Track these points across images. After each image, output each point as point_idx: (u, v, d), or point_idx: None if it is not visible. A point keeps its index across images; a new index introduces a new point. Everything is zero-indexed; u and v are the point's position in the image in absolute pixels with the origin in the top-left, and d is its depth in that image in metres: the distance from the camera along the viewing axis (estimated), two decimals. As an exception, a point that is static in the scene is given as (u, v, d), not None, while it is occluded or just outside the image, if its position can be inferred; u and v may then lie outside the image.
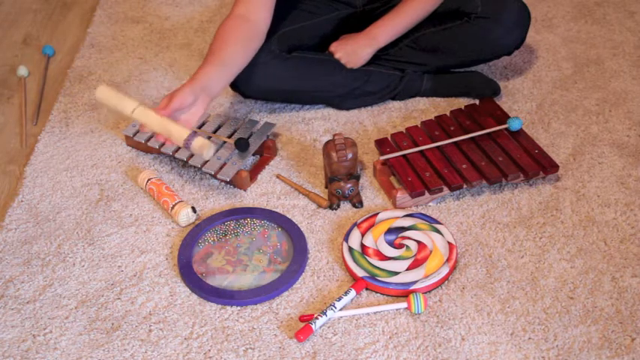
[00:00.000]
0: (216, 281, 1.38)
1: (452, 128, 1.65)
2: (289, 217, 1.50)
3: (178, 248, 1.44)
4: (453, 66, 1.83)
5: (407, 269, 1.37)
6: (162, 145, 1.65)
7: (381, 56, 1.78)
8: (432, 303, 1.33)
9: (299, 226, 1.48)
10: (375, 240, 1.43)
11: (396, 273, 1.36)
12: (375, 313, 1.32)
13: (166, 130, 1.37)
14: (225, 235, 1.48)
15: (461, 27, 1.71)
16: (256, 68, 1.66)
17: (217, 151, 1.63)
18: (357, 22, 1.80)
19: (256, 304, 1.34)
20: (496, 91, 1.81)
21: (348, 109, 1.80)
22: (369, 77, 1.77)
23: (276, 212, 1.51)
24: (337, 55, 1.74)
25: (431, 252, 1.39)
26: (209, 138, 1.65)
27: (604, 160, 1.63)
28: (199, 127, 1.69)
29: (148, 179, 1.58)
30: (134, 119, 1.42)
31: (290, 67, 1.71)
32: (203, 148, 1.34)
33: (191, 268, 1.40)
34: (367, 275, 1.35)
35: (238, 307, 1.34)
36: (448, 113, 1.71)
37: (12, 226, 1.54)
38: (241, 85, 1.72)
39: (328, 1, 1.81)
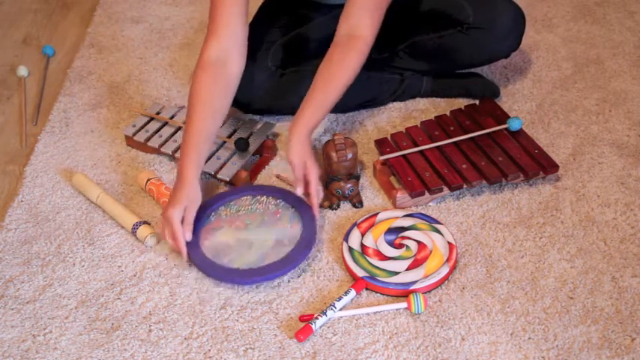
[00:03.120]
0: (219, 257, 1.38)
1: (452, 128, 1.65)
2: (304, 199, 1.48)
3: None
4: (450, 70, 1.82)
5: (407, 269, 1.37)
6: (163, 144, 1.66)
7: (379, 60, 1.77)
8: (432, 303, 1.33)
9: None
10: (375, 240, 1.43)
11: (396, 273, 1.36)
12: (375, 313, 1.32)
13: (118, 217, 1.51)
14: (238, 211, 1.48)
15: (454, 35, 1.68)
16: (253, 88, 1.65)
17: (217, 150, 1.63)
18: None
19: (251, 285, 1.35)
20: (495, 93, 1.81)
21: (348, 112, 1.80)
22: (369, 82, 1.76)
23: (294, 193, 1.49)
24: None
25: (431, 252, 1.39)
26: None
27: (604, 160, 1.63)
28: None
29: (148, 179, 1.58)
30: (98, 205, 1.57)
31: (286, 83, 1.71)
32: (143, 235, 1.46)
33: (197, 239, 1.41)
34: (367, 275, 1.35)
35: (238, 307, 1.34)
36: (448, 113, 1.71)
37: (12, 226, 1.54)
38: (239, 104, 1.71)
39: (320, 5, 1.79)
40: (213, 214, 1.48)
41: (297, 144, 1.46)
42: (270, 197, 1.51)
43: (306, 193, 1.47)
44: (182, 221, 1.39)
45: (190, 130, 1.45)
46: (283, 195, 1.50)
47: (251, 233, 1.43)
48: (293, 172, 1.46)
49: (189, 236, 1.39)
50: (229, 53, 1.51)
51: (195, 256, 1.38)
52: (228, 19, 1.51)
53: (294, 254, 1.38)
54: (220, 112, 1.51)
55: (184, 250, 1.38)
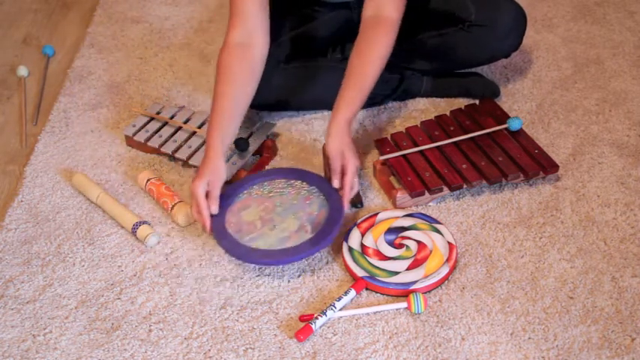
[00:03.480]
0: (242, 234, 1.40)
1: (452, 128, 1.65)
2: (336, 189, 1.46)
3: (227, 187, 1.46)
4: (450, 69, 1.82)
5: (407, 269, 1.37)
6: (163, 144, 1.66)
7: None
8: (432, 303, 1.33)
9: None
10: (375, 240, 1.43)
11: (396, 273, 1.36)
12: (375, 313, 1.32)
13: (118, 217, 1.51)
14: (270, 192, 1.49)
15: (456, 33, 1.69)
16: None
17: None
18: (357, 22, 1.80)
19: (262, 267, 1.38)
20: (495, 93, 1.81)
21: None
22: None
23: (329, 183, 1.47)
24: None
25: (431, 252, 1.39)
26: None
27: (604, 160, 1.63)
28: (199, 127, 1.69)
29: (148, 179, 1.58)
30: (97, 205, 1.57)
31: (288, 78, 1.71)
32: (143, 235, 1.46)
33: (224, 214, 1.42)
34: (367, 275, 1.35)
35: (238, 307, 1.34)
36: (448, 113, 1.71)
37: (12, 226, 1.54)
38: None
39: (323, 3, 1.79)
40: (245, 192, 1.49)
41: (335, 134, 1.45)
42: (305, 183, 1.50)
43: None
44: (208, 195, 1.41)
45: (215, 108, 1.47)
46: (317, 182, 1.50)
47: (277, 215, 1.44)
48: (331, 163, 1.45)
49: (214, 209, 1.41)
50: (252, 36, 1.52)
51: (219, 233, 1.40)
52: (249, 2, 1.51)
53: (311, 242, 1.37)
54: (245, 91, 1.51)
55: (208, 223, 1.40)
